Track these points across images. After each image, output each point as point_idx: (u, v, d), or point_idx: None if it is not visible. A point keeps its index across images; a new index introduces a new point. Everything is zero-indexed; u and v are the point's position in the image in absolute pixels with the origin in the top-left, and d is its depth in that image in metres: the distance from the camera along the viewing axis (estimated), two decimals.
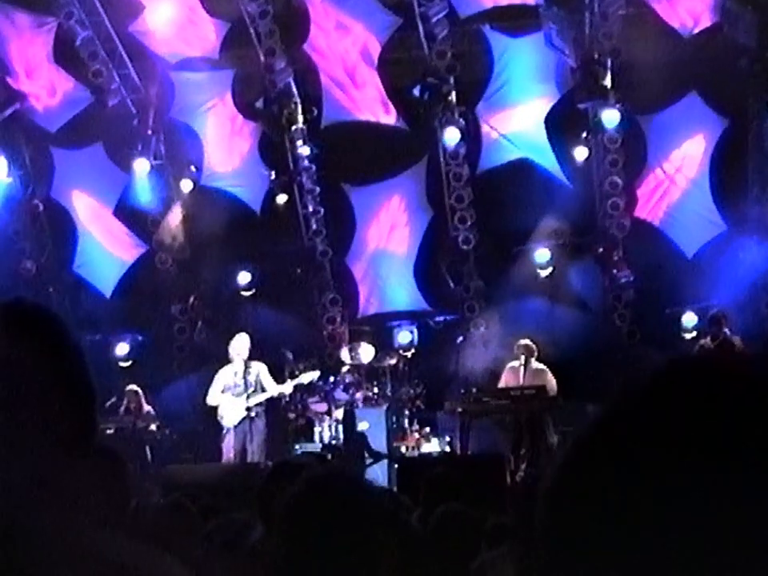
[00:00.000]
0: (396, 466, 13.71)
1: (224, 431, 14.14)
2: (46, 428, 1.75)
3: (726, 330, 14.03)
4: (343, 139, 17.29)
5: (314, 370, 15.35)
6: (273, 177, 17.58)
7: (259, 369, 14.25)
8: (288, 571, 2.79)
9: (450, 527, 5.10)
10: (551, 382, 14.09)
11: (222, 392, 14.16)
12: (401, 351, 16.65)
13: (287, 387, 14.60)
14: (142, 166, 17.65)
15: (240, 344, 14.26)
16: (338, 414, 14.84)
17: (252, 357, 14.31)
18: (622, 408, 0.95)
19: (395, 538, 2.87)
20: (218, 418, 14.16)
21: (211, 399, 14.28)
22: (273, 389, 14.22)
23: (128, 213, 18.28)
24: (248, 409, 13.94)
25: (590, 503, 0.89)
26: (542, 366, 14.31)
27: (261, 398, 14.05)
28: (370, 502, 2.86)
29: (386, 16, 17.11)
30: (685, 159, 17.01)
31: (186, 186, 17.91)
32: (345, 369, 15.91)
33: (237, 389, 14.06)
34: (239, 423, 13.98)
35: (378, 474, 13.84)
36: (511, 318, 16.18)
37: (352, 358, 16.01)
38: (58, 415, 1.75)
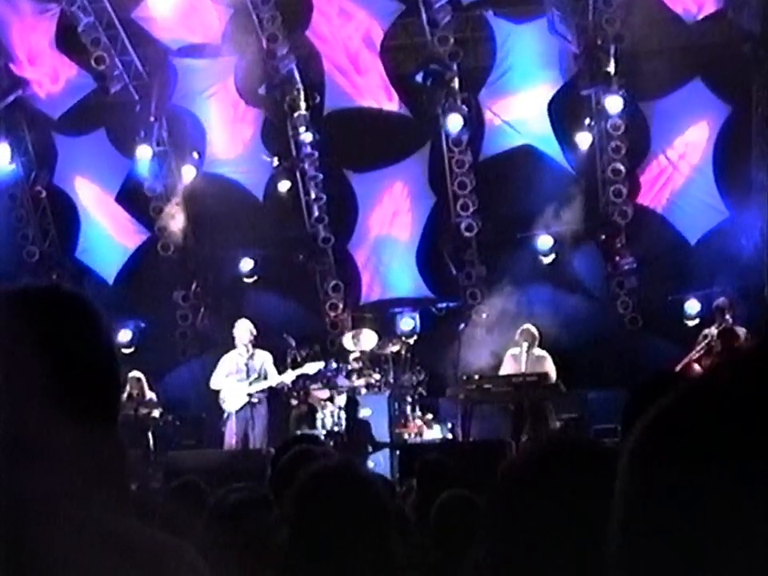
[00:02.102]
0: (398, 453, 13.75)
1: (226, 416, 14.18)
2: (73, 412, 1.76)
3: (729, 317, 14.02)
4: (346, 125, 17.27)
5: (316, 356, 15.41)
6: (275, 163, 17.55)
7: (264, 358, 14.29)
8: (295, 559, 2.81)
9: (450, 512, 5.10)
10: (551, 369, 14.09)
11: (226, 377, 14.20)
12: (403, 338, 16.64)
13: (290, 377, 14.63)
14: (144, 153, 17.63)
15: (241, 329, 14.29)
16: (340, 400, 14.84)
17: (254, 343, 14.33)
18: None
19: (395, 529, 2.90)
20: (220, 402, 14.21)
21: (214, 383, 14.32)
22: (275, 379, 14.25)
23: (131, 199, 18.29)
24: (249, 395, 13.97)
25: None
26: (543, 352, 14.30)
27: (262, 385, 14.09)
28: (372, 494, 2.88)
29: (389, 2, 17.07)
30: (688, 146, 16.98)
31: (189, 172, 17.90)
32: (347, 355, 15.91)
33: (240, 374, 14.10)
34: (241, 409, 14.02)
35: (380, 460, 13.85)
36: (513, 304, 16.13)
37: (354, 345, 16.00)
38: (85, 401, 1.77)
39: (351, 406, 14.30)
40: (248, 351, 14.20)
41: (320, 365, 14.99)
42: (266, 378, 14.15)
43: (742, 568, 0.81)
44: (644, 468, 0.88)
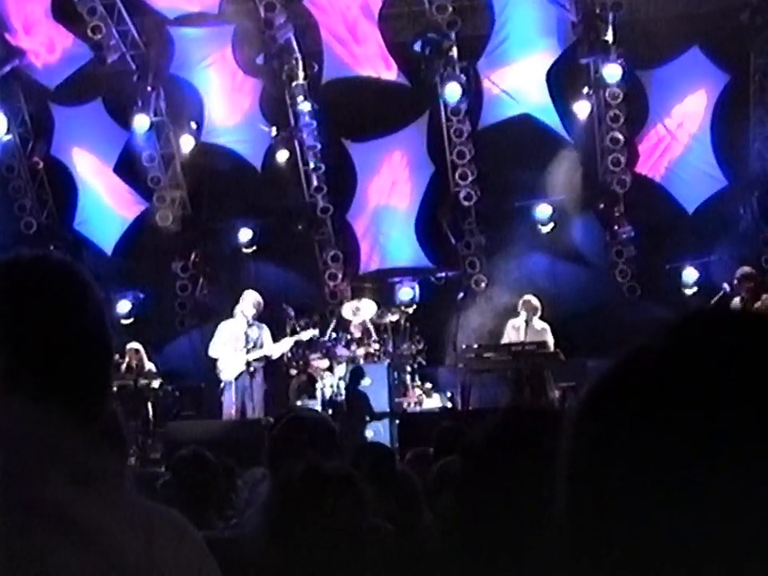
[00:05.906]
0: (397, 422, 13.80)
1: (223, 385, 14.19)
2: (64, 381, 1.77)
3: (726, 285, 14.05)
4: (344, 95, 17.21)
5: (315, 327, 15.42)
6: (274, 133, 17.51)
7: (262, 329, 14.29)
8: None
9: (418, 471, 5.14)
10: (551, 340, 14.13)
11: (224, 345, 14.20)
12: (402, 307, 16.67)
13: (284, 345, 14.65)
14: (142, 123, 17.57)
15: (248, 301, 14.23)
16: (340, 370, 14.86)
17: (256, 316, 14.32)
18: (637, 363, 0.92)
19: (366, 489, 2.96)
20: (217, 371, 14.21)
21: (212, 351, 14.33)
22: (270, 348, 14.27)
23: (128, 170, 18.23)
24: (248, 363, 13.98)
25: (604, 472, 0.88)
26: (544, 324, 14.34)
27: (259, 353, 14.09)
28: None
29: None
30: (686, 114, 16.94)
31: (187, 142, 17.85)
32: (346, 325, 15.92)
33: (238, 342, 14.10)
34: (238, 377, 14.01)
35: (381, 430, 13.89)
36: (512, 274, 16.18)
37: (353, 315, 16.00)
38: (74, 372, 1.78)
39: (355, 377, 14.19)
40: (247, 322, 14.20)
41: (314, 332, 15.04)
42: (262, 347, 14.18)
43: (683, 523, 0.84)
44: (589, 428, 0.91)
